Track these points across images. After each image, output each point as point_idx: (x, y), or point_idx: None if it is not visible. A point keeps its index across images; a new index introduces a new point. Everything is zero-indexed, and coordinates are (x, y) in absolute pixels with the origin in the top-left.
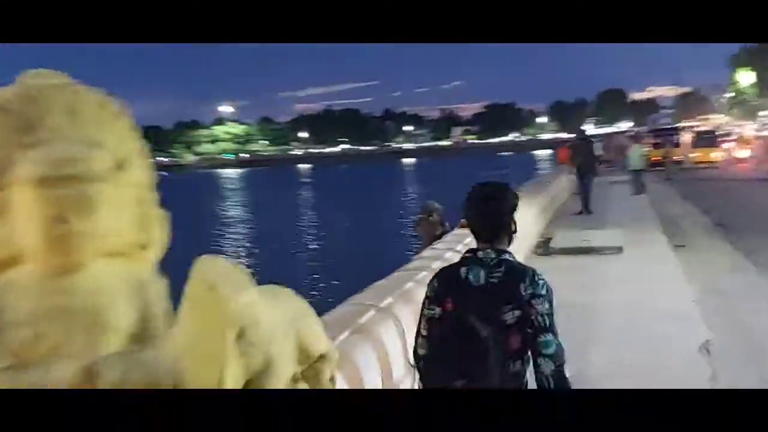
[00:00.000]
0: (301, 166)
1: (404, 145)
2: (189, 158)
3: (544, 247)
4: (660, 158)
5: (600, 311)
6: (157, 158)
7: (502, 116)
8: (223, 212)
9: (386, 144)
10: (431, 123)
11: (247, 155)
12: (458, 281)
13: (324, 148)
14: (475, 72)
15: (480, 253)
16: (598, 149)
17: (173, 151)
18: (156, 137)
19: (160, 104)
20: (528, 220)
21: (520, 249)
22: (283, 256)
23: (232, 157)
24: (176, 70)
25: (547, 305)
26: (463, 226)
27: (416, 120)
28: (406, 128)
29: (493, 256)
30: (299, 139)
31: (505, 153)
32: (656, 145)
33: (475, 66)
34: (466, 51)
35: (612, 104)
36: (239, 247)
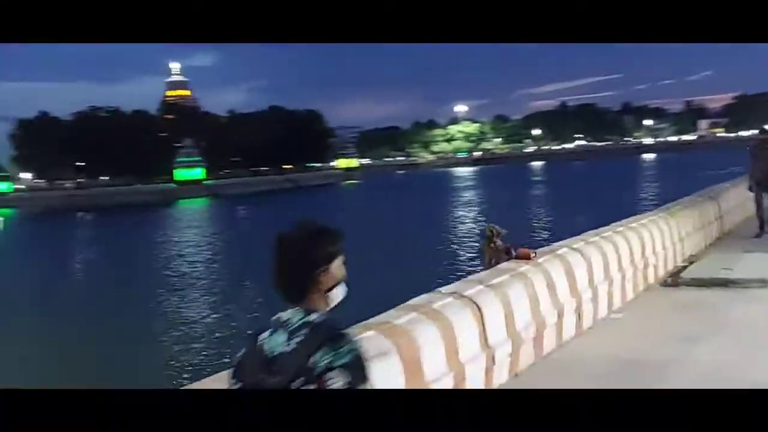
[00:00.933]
0: (533, 163)
1: (643, 139)
2: (426, 157)
3: (675, 276)
4: None
5: (670, 376)
6: (396, 157)
7: (755, 107)
8: (452, 209)
9: (624, 139)
10: (674, 116)
11: (480, 153)
12: (255, 352)
13: (558, 144)
14: (726, 62)
15: (284, 315)
16: None
17: (410, 150)
18: (394, 137)
19: (399, 105)
20: (665, 241)
21: (649, 276)
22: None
23: (465, 155)
24: (415, 72)
25: (345, 379)
26: (519, 257)
27: (658, 113)
28: (646, 122)
29: (298, 318)
30: (532, 136)
31: None
32: None
33: (725, 56)
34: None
35: None
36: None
